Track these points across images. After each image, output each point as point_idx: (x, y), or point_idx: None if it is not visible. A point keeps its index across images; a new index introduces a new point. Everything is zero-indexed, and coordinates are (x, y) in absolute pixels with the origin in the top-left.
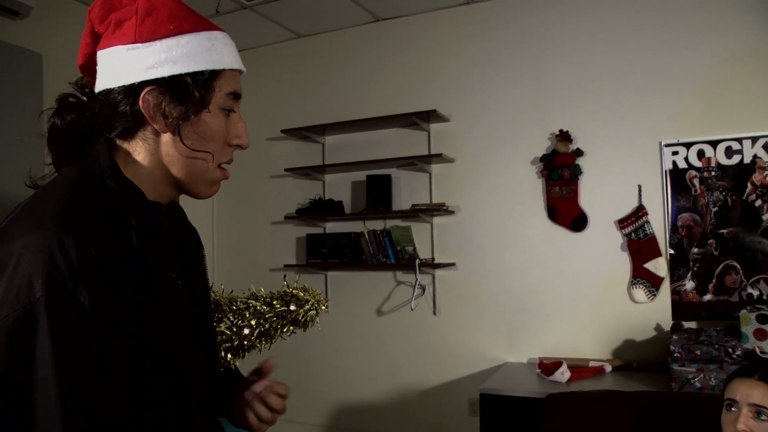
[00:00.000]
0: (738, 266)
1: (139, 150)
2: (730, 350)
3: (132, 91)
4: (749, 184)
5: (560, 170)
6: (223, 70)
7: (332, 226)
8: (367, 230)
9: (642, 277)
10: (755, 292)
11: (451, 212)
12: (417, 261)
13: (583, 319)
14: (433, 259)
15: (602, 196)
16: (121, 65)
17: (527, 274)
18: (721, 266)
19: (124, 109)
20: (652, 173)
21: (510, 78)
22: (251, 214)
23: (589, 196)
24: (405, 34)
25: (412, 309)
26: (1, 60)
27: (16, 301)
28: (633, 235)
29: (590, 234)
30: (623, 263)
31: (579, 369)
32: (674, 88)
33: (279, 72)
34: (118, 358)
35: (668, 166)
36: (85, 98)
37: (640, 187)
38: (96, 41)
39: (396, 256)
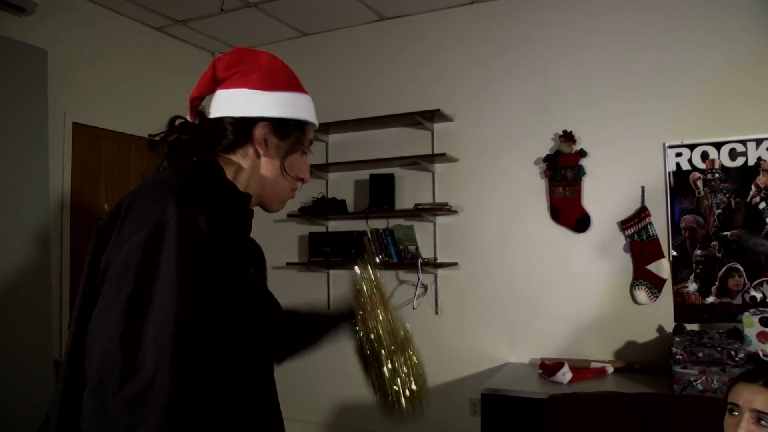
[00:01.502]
0: (741, 269)
1: (240, 162)
2: (732, 353)
3: (246, 121)
4: (753, 187)
5: (563, 171)
6: (309, 122)
7: (335, 225)
8: (369, 229)
9: (644, 278)
10: (758, 295)
11: (454, 212)
12: (420, 260)
13: (585, 320)
14: (435, 258)
15: (605, 197)
16: (242, 102)
17: (530, 274)
18: (724, 268)
19: (236, 132)
20: (656, 175)
21: (514, 78)
22: (256, 212)
23: (592, 197)
24: (409, 34)
25: (414, 308)
26: (6, 56)
27: (152, 220)
28: (636, 236)
29: (593, 235)
30: (626, 264)
31: (581, 370)
32: (678, 89)
33: None
34: (219, 283)
35: (672, 167)
36: (191, 120)
37: (643, 188)
38: (214, 83)
39: (398, 256)
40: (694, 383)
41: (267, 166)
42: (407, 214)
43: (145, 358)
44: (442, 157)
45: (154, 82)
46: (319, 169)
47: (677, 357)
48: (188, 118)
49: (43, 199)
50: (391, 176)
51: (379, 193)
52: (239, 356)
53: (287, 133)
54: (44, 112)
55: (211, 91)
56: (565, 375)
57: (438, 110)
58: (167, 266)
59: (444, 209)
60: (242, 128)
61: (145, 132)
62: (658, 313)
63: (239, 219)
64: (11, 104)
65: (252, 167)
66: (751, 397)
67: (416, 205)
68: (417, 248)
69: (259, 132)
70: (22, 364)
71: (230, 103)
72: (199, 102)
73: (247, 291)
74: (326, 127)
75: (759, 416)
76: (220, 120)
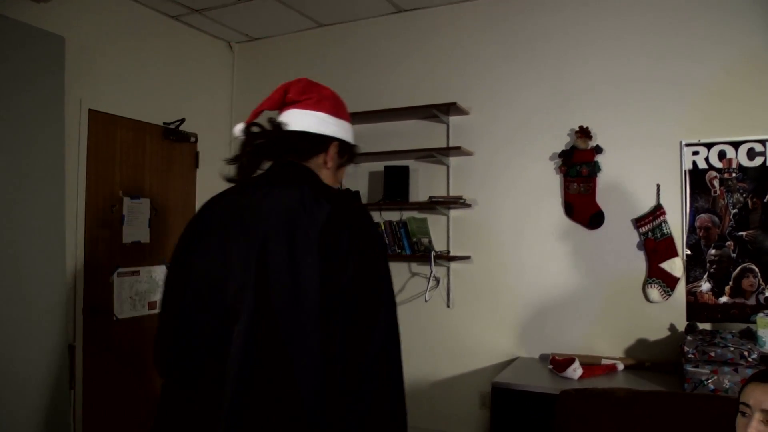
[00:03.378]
0: (756, 269)
1: (319, 167)
2: (745, 353)
3: (324, 137)
4: None
5: (579, 167)
6: (355, 147)
7: None
8: (383, 221)
9: (657, 276)
10: None
11: (468, 205)
12: (432, 253)
13: (597, 317)
14: (448, 251)
15: (620, 194)
16: (317, 122)
17: (542, 269)
18: (738, 269)
19: (316, 144)
20: (672, 173)
21: (532, 74)
22: None
23: (607, 193)
24: (427, 26)
25: (426, 301)
26: (23, 42)
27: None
28: (650, 234)
29: (607, 232)
30: (639, 262)
31: (591, 366)
32: (696, 87)
33: (298, 61)
34: None
35: (688, 166)
36: (267, 128)
37: (658, 186)
38: (283, 103)
39: (411, 248)
40: (705, 382)
41: (326, 174)
42: (421, 206)
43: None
44: (457, 151)
45: (169, 71)
46: None
47: (689, 356)
48: (241, 125)
49: (59, 185)
50: (406, 168)
51: (394, 185)
52: None
53: (345, 152)
54: (61, 99)
55: (278, 109)
56: (575, 371)
57: (454, 103)
58: (388, 273)
59: (458, 203)
60: (321, 142)
61: (160, 120)
62: (670, 312)
63: None
64: (28, 90)
65: (319, 171)
66: (761, 398)
67: (430, 197)
68: (430, 241)
69: (332, 148)
70: (36, 347)
71: (306, 120)
72: (257, 116)
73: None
74: None
75: None
76: (304, 133)
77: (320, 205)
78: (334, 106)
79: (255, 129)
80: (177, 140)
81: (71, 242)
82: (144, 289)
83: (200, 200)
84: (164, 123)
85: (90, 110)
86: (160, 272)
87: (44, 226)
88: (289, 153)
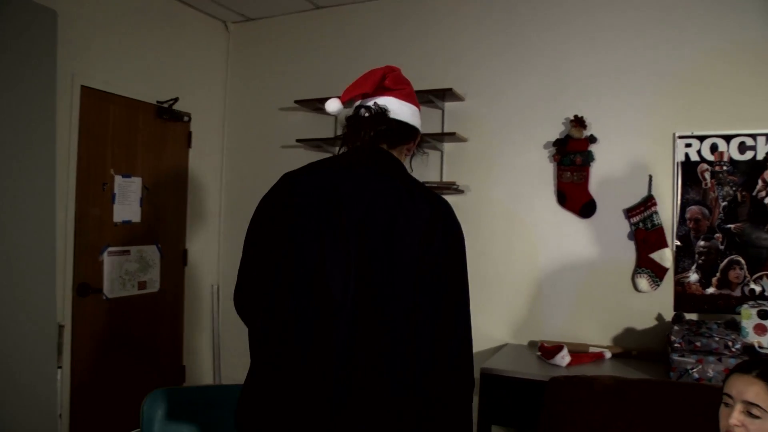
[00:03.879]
0: (743, 261)
1: (400, 154)
2: (729, 344)
3: (414, 129)
4: (760, 181)
5: (572, 156)
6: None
7: None
8: None
9: (647, 266)
10: (758, 288)
11: (461, 191)
12: None
13: (586, 305)
14: None
15: (612, 183)
16: (411, 114)
17: (533, 257)
18: (725, 261)
19: (408, 135)
20: (664, 164)
21: (528, 62)
22: (260, 184)
23: (600, 183)
24: (426, 12)
25: None
26: (16, 16)
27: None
28: (641, 224)
29: (598, 221)
30: (629, 252)
31: (579, 354)
32: (691, 79)
33: (295, 42)
34: None
35: (680, 157)
36: (368, 114)
37: (650, 177)
38: (381, 89)
39: None
40: (690, 371)
41: (403, 161)
42: None
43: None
44: (452, 137)
45: (164, 49)
46: (327, 143)
47: (675, 345)
48: (335, 100)
49: (50, 162)
50: None
51: None
52: None
53: (418, 142)
54: (53, 74)
55: (374, 94)
56: (564, 358)
57: (450, 89)
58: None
59: (451, 189)
60: (412, 133)
61: (153, 99)
62: (657, 302)
63: None
64: (19, 64)
65: (403, 157)
66: (743, 389)
67: (424, 183)
68: None
69: (417, 140)
70: (26, 326)
71: (404, 111)
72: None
73: None
74: None
75: (750, 407)
76: (404, 123)
77: (419, 202)
78: (415, 100)
79: (363, 112)
80: (170, 119)
81: (62, 220)
82: (134, 268)
83: (192, 180)
84: (157, 102)
85: (82, 87)
86: (150, 252)
87: (34, 203)
88: (385, 138)
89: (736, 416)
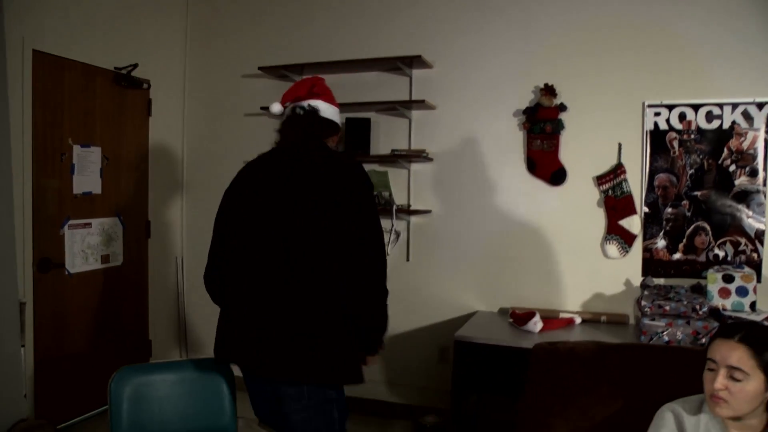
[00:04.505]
0: (708, 227)
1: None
2: (697, 307)
3: (337, 126)
4: (726, 149)
5: (542, 124)
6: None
7: None
8: None
9: (616, 233)
10: (721, 253)
11: (431, 159)
12: (394, 207)
13: (556, 272)
14: (409, 205)
15: (582, 151)
16: (334, 113)
17: (503, 224)
18: (692, 227)
19: (334, 129)
20: (634, 132)
21: (498, 29)
22: (224, 154)
23: (570, 151)
24: None
25: (387, 254)
26: None
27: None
28: (610, 192)
29: (568, 188)
30: (598, 219)
31: (550, 320)
32: (661, 49)
33: (259, 7)
34: None
35: (650, 126)
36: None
37: (620, 145)
38: (310, 95)
39: None
40: (660, 334)
41: (333, 146)
42: (382, 159)
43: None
44: (421, 104)
45: (120, 11)
46: None
47: (645, 310)
48: (278, 104)
49: (3, 132)
50: (368, 121)
51: (355, 138)
52: None
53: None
54: (1, 38)
55: (304, 98)
56: (536, 324)
57: (419, 56)
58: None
59: (421, 156)
60: (336, 128)
61: (111, 65)
62: (626, 268)
63: None
64: None
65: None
66: (726, 354)
67: (393, 150)
68: (391, 194)
69: (339, 133)
70: None
71: (330, 111)
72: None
73: None
74: (300, 68)
75: (733, 372)
76: (330, 120)
77: (341, 171)
78: (336, 103)
79: (299, 111)
80: (129, 86)
81: (18, 193)
82: (96, 242)
83: (153, 149)
84: (115, 68)
85: (34, 51)
86: (112, 224)
87: None
88: (318, 131)
89: (720, 380)
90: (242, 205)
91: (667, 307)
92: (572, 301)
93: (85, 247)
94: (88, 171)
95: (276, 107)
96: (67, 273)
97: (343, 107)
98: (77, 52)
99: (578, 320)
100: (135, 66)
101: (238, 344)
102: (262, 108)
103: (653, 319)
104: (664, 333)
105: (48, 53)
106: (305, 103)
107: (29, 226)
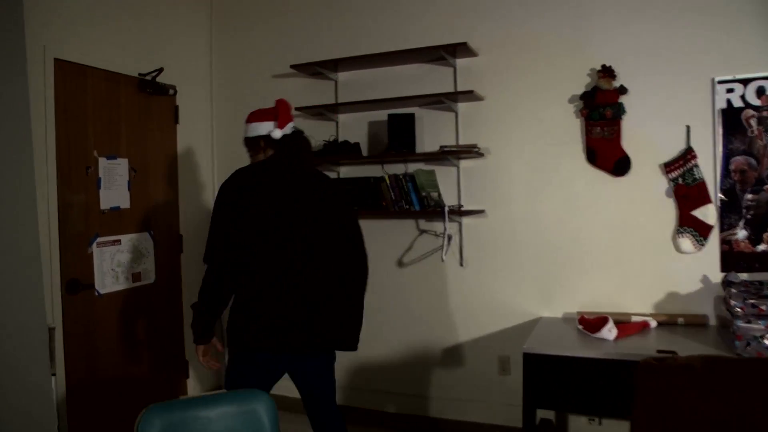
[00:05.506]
0: None
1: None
2: None
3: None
4: None
5: (602, 109)
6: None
7: (346, 171)
8: (386, 174)
9: (689, 225)
10: None
11: (481, 155)
12: (446, 208)
13: (623, 271)
14: (460, 206)
15: (647, 137)
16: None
17: (563, 221)
18: None
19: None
20: (703, 112)
21: (548, 8)
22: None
23: (633, 137)
24: None
25: (443, 261)
26: None
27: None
28: (680, 179)
29: (633, 178)
30: (668, 210)
31: (623, 325)
32: (731, 17)
33: (286, 1)
34: None
35: (721, 104)
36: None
37: (688, 127)
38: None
39: (420, 203)
40: (760, 339)
41: None
42: (429, 157)
43: None
44: (469, 95)
45: (143, 14)
46: (328, 110)
47: (736, 311)
48: (278, 130)
49: (26, 146)
50: (411, 117)
51: (399, 135)
52: None
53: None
54: (21, 46)
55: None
56: (610, 331)
57: (464, 44)
58: None
59: (472, 152)
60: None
61: (134, 71)
62: (702, 263)
63: None
64: None
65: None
66: None
67: (441, 147)
68: (440, 195)
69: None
70: (12, 331)
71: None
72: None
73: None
74: (335, 64)
75: None
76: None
77: (323, 182)
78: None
79: (300, 133)
80: (154, 93)
81: (43, 211)
82: (127, 259)
83: (182, 158)
84: (140, 74)
85: (56, 59)
86: (143, 240)
87: (11, 194)
88: (308, 148)
89: None
90: (261, 212)
91: (764, 307)
92: (643, 303)
93: (115, 265)
94: (115, 184)
95: (278, 133)
96: (96, 294)
97: (383, 103)
98: (100, 59)
99: (653, 323)
100: (160, 71)
101: (270, 330)
102: (297, 108)
103: (749, 321)
104: (765, 338)
105: (70, 61)
106: (292, 125)
107: (56, 246)
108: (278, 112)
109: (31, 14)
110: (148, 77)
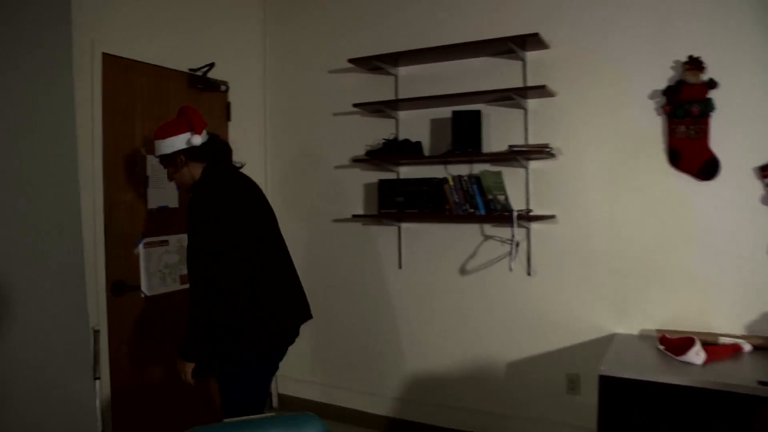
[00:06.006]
0: None
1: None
2: None
3: None
4: None
5: (687, 105)
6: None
7: (406, 171)
8: (450, 176)
9: None
10: None
11: (552, 156)
12: (514, 213)
13: (710, 286)
14: (528, 210)
15: (739, 136)
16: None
17: (641, 230)
18: None
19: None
20: None
21: None
22: (311, 158)
23: (723, 136)
24: None
25: (511, 269)
26: None
27: None
28: None
29: (723, 183)
30: (763, 218)
31: (711, 347)
32: None
33: None
34: None
35: None
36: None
37: None
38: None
39: (486, 207)
40: None
41: None
42: (495, 158)
43: None
44: (540, 91)
45: (193, 8)
46: (388, 107)
47: None
48: (198, 136)
49: (71, 143)
50: (478, 113)
51: (464, 134)
52: None
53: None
54: (69, 41)
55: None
56: (698, 354)
57: (536, 35)
58: None
59: (543, 152)
60: None
61: (185, 66)
62: None
63: None
64: (30, 30)
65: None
66: None
67: (510, 147)
68: (507, 198)
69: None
70: (55, 334)
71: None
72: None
73: None
74: (395, 58)
75: None
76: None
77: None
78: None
79: (216, 137)
80: (205, 89)
81: (88, 210)
82: (174, 260)
83: (234, 156)
84: (190, 69)
85: (104, 54)
86: None
87: (55, 192)
88: (230, 153)
89: None
90: (254, 219)
91: None
92: (733, 322)
93: (162, 266)
94: (162, 183)
95: (197, 139)
96: (143, 295)
97: (447, 99)
98: (149, 54)
99: (747, 347)
100: (211, 66)
101: (284, 331)
102: (355, 105)
103: None
104: None
105: (119, 56)
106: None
107: (101, 246)
108: (190, 120)
109: (80, 9)
110: (199, 72)
